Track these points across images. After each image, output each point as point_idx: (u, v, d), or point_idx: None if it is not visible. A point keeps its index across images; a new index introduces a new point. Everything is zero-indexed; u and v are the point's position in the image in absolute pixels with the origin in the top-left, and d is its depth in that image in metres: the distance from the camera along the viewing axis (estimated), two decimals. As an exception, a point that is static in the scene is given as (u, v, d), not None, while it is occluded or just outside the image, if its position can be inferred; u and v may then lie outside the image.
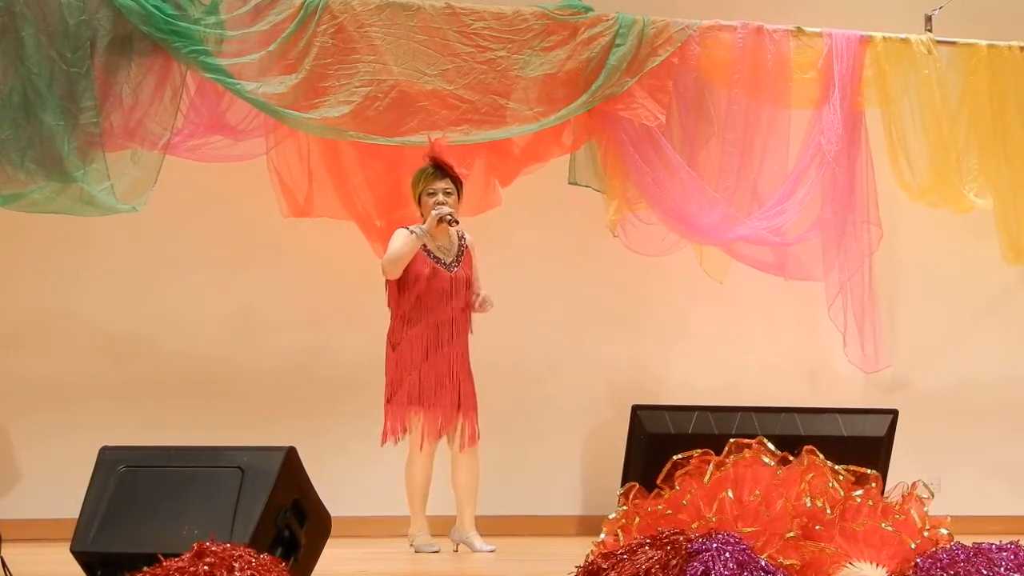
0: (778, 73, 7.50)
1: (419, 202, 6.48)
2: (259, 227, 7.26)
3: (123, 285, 7.21)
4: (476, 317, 6.51)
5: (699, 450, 4.32)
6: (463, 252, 6.50)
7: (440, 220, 6.33)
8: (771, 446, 4.30)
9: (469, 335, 6.46)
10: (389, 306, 6.45)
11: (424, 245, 6.38)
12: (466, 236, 6.55)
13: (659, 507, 4.16)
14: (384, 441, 6.38)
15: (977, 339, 8.03)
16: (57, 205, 6.64)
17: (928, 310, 8.01)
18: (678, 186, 7.33)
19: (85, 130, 6.62)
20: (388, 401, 6.39)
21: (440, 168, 6.47)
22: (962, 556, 3.96)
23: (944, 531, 4.20)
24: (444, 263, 6.42)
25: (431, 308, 6.37)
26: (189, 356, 7.22)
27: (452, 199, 6.43)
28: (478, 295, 6.45)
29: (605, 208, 7.38)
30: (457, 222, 6.38)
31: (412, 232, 6.37)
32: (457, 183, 6.50)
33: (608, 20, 7.26)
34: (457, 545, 6.52)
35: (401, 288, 6.40)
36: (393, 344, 6.41)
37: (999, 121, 7.71)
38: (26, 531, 6.65)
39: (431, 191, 6.43)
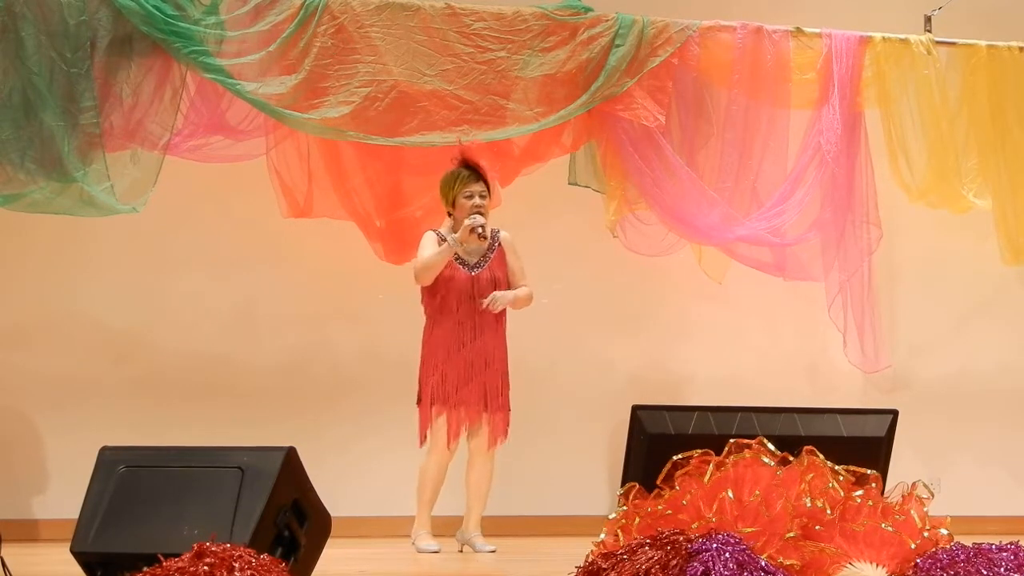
0: (777, 73, 7.50)
1: (453, 204, 6.46)
2: (259, 227, 7.26)
3: (123, 285, 7.21)
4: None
5: (699, 450, 4.32)
6: (493, 252, 6.49)
7: (471, 231, 6.32)
8: (771, 446, 4.30)
9: (503, 333, 6.44)
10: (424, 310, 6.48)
11: None
12: (500, 234, 6.54)
13: (659, 507, 4.16)
14: (422, 442, 6.38)
15: (977, 339, 8.04)
16: (57, 205, 6.64)
17: (928, 310, 8.01)
18: (677, 186, 7.34)
19: (85, 130, 6.62)
20: (418, 401, 6.41)
21: (473, 169, 6.47)
22: (962, 556, 3.96)
23: (944, 531, 4.20)
24: (467, 264, 6.42)
25: (453, 309, 6.38)
26: (189, 356, 7.22)
27: (487, 202, 6.44)
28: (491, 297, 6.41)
29: (605, 208, 7.38)
30: (487, 237, 6.37)
31: (445, 241, 6.36)
32: (488, 184, 6.51)
33: (608, 20, 7.27)
34: (462, 546, 6.52)
35: (429, 291, 6.43)
36: (423, 345, 6.43)
37: (998, 121, 7.71)
38: (26, 531, 6.66)
39: (468, 194, 6.41)
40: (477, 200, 6.40)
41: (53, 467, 6.99)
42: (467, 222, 6.34)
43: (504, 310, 6.46)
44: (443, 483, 6.45)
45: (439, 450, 6.36)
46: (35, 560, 5.50)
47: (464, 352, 6.36)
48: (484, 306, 6.35)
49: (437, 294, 6.39)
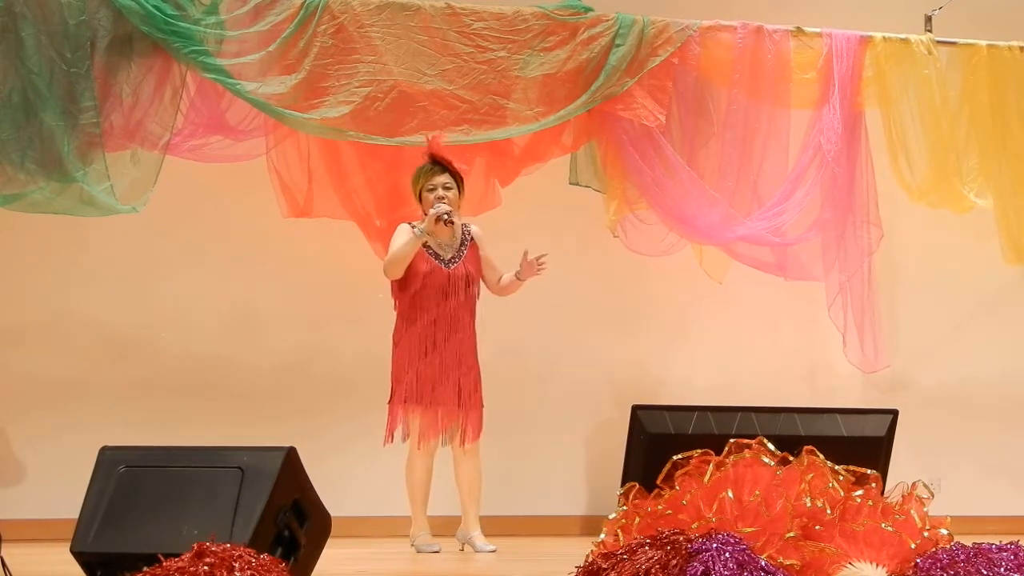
0: (778, 73, 7.50)
1: (420, 199, 6.48)
2: (259, 227, 7.25)
3: (123, 284, 7.21)
4: (481, 312, 6.49)
5: (699, 450, 4.32)
6: (466, 247, 6.49)
7: (437, 219, 6.32)
8: (771, 446, 4.31)
9: (474, 330, 6.45)
10: (395, 306, 6.47)
11: (424, 242, 6.38)
12: (471, 229, 6.55)
13: (659, 507, 4.16)
14: (387, 441, 6.38)
15: (977, 338, 8.03)
16: (57, 205, 6.64)
17: (928, 310, 8.01)
18: (678, 186, 7.33)
19: (85, 130, 6.61)
20: (390, 400, 6.40)
21: (439, 163, 6.47)
22: (962, 556, 3.96)
23: (944, 531, 4.20)
24: (443, 259, 6.42)
25: (428, 306, 6.37)
26: (189, 356, 7.22)
27: (452, 193, 6.44)
28: (526, 261, 6.42)
29: (605, 208, 7.37)
30: (453, 222, 6.37)
31: (413, 230, 6.37)
32: (457, 178, 6.51)
33: (608, 20, 7.26)
34: (463, 545, 6.52)
35: (401, 287, 6.41)
36: (395, 342, 6.43)
37: (999, 121, 7.70)
38: (26, 531, 6.65)
39: (430, 187, 6.43)
40: (440, 192, 6.40)
41: (53, 467, 6.98)
42: (431, 211, 6.33)
43: (475, 307, 6.45)
44: (431, 481, 6.45)
45: (418, 450, 6.35)
46: (35, 560, 5.49)
47: (439, 351, 6.35)
48: (528, 273, 6.41)
49: (410, 291, 6.38)
